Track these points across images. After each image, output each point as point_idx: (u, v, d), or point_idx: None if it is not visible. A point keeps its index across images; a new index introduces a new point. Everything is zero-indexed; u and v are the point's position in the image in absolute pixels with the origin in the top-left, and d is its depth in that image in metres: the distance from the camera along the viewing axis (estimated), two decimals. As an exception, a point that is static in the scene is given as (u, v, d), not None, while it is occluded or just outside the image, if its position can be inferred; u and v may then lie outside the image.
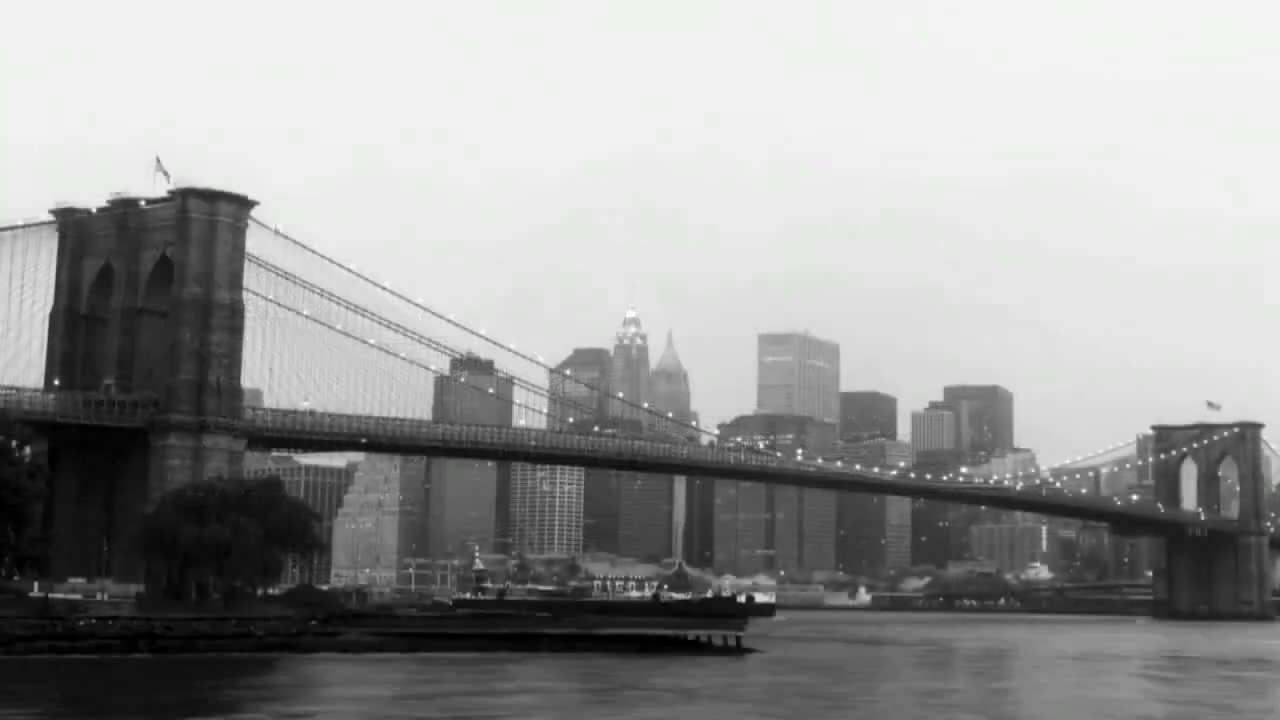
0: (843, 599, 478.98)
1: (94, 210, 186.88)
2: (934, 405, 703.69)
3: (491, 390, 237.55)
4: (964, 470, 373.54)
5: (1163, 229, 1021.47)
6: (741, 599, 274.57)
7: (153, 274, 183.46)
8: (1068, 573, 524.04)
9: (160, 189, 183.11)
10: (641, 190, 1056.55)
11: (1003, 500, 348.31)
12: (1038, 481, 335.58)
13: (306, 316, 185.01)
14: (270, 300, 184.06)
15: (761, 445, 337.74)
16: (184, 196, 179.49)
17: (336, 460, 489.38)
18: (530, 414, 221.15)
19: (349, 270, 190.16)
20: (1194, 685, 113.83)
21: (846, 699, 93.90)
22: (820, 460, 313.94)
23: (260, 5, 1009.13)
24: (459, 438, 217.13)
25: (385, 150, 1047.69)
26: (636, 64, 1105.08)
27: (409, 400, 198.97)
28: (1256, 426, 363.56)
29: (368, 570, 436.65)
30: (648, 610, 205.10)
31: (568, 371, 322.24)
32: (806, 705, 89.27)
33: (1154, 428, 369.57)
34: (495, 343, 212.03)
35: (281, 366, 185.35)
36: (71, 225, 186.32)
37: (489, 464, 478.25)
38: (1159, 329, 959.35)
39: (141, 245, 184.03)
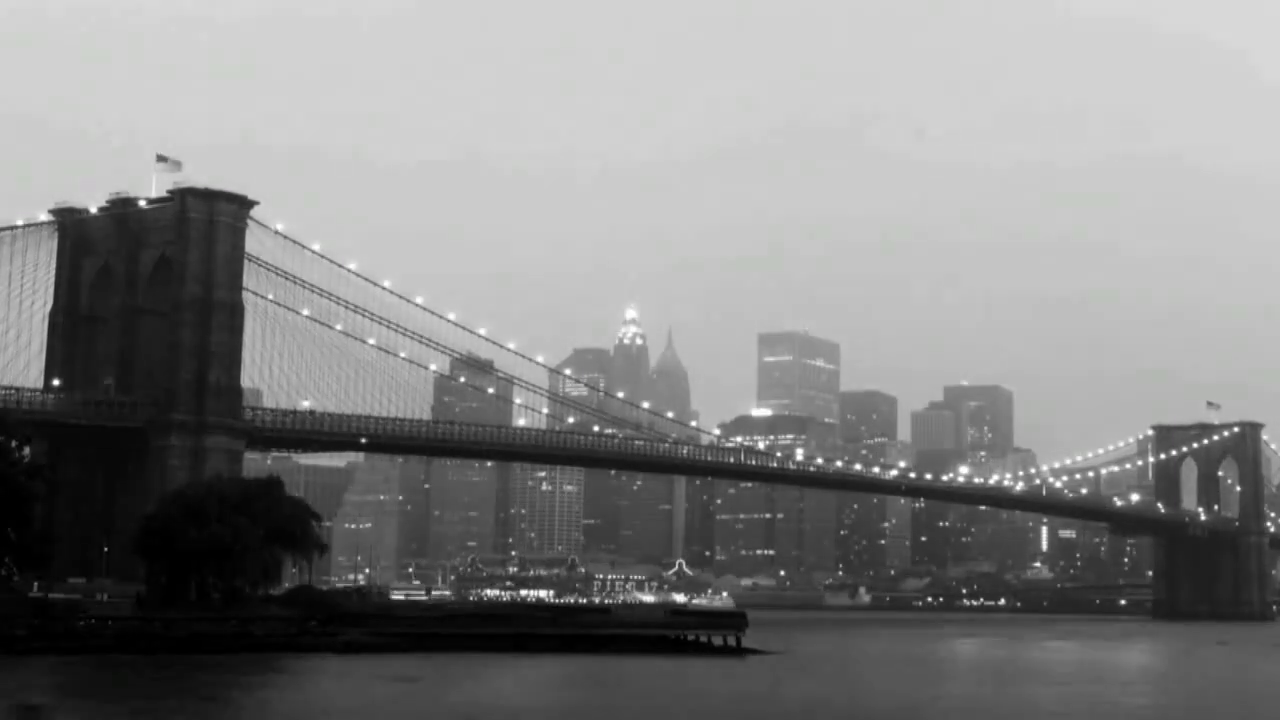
0: (843, 599, 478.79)
1: (94, 210, 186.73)
2: (934, 405, 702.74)
3: (491, 390, 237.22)
4: (964, 470, 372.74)
5: (1163, 227, 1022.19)
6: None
7: (152, 274, 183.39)
8: (1068, 573, 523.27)
9: (161, 188, 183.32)
10: (641, 189, 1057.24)
11: (1003, 500, 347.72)
12: (1038, 481, 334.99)
13: (307, 316, 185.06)
14: (270, 300, 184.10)
15: (761, 445, 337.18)
16: (183, 196, 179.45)
17: (336, 460, 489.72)
18: (530, 414, 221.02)
19: (349, 270, 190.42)
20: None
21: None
22: (820, 460, 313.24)
23: (262, 5, 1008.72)
24: (459, 438, 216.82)
25: (386, 150, 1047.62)
26: (638, 65, 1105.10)
27: (409, 400, 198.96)
28: (1256, 426, 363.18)
29: (367, 570, 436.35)
30: None
31: (568, 371, 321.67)
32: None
33: (1154, 428, 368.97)
34: (495, 343, 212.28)
35: (281, 366, 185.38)
36: (71, 225, 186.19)
37: (489, 464, 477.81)
38: (1159, 329, 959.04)
39: (141, 245, 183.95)
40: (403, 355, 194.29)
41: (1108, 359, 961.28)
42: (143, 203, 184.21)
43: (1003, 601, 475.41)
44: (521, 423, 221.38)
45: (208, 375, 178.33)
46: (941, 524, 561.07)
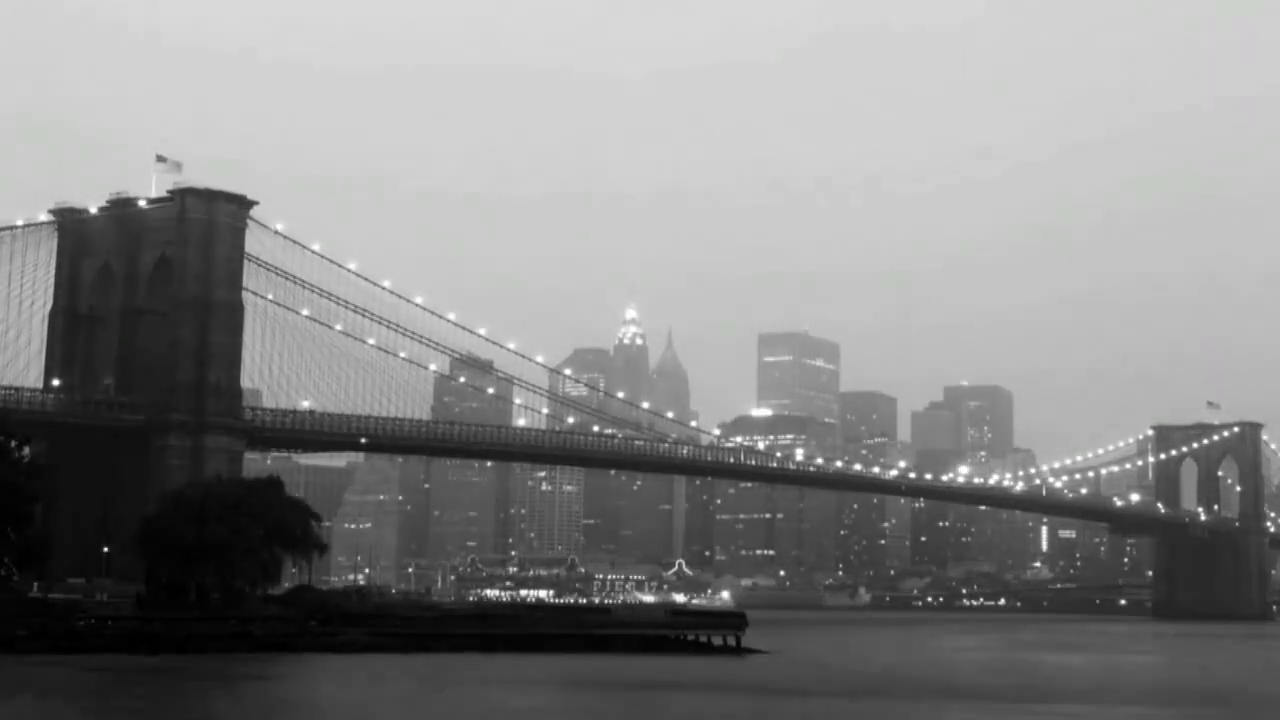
0: (843, 599, 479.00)
1: (94, 210, 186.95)
2: (934, 405, 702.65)
3: (491, 390, 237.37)
4: (964, 470, 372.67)
5: (1162, 228, 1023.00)
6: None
7: (152, 274, 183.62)
8: (1068, 573, 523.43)
9: (161, 188, 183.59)
10: (641, 190, 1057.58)
11: (1003, 500, 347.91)
12: (1038, 481, 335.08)
13: (306, 316, 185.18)
14: (270, 300, 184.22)
15: (761, 445, 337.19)
16: (183, 196, 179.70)
17: (336, 460, 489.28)
18: (530, 414, 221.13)
19: (349, 270, 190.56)
20: None
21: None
22: (820, 460, 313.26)
23: (262, 5, 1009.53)
24: (459, 438, 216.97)
25: (384, 150, 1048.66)
26: (636, 69, 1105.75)
27: (409, 400, 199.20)
28: (1256, 426, 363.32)
29: (367, 570, 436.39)
30: None
31: (567, 371, 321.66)
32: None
33: (1154, 428, 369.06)
34: (495, 343, 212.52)
35: (281, 366, 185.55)
36: (71, 225, 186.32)
37: (489, 464, 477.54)
38: (1159, 329, 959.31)
39: (141, 245, 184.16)
40: (403, 355, 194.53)
41: (1108, 359, 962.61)
42: (143, 203, 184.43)
43: (1003, 601, 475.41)
44: (521, 423, 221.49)
45: (207, 375, 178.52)
46: (941, 524, 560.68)
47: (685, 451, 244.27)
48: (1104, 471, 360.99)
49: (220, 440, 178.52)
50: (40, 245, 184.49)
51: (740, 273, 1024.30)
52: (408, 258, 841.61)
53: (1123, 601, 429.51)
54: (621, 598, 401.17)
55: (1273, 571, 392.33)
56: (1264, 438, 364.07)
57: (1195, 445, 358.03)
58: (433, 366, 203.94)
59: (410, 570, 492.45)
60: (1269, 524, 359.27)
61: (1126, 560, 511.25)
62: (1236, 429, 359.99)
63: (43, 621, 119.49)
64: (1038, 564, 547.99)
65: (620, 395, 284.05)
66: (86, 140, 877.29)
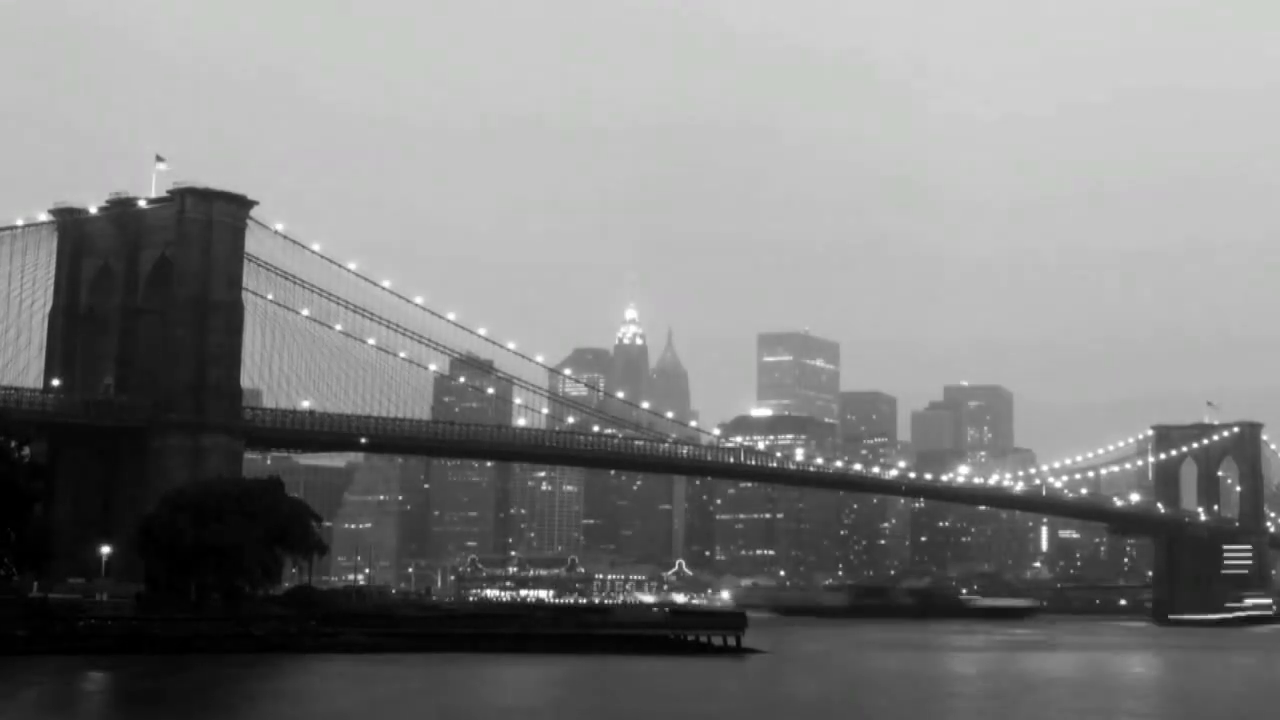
0: (842, 599, 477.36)
1: (93, 210, 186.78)
2: (934, 405, 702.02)
3: (491, 390, 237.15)
4: (964, 470, 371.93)
5: (1162, 228, 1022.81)
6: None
7: (152, 274, 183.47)
8: (1068, 573, 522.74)
9: (161, 188, 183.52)
10: (642, 190, 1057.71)
11: (1003, 500, 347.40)
12: (1038, 481, 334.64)
13: (306, 316, 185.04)
14: (270, 300, 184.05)
15: (761, 445, 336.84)
16: (182, 196, 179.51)
17: (336, 460, 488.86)
18: (530, 414, 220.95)
19: (349, 270, 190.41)
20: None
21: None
22: (820, 460, 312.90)
23: (260, 5, 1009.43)
24: (458, 438, 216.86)
25: (384, 149, 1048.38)
26: (637, 70, 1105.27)
27: (408, 400, 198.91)
28: (1256, 426, 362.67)
29: (367, 570, 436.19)
30: None
31: (567, 371, 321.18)
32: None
33: (1154, 428, 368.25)
34: (495, 343, 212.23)
35: (281, 366, 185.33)
36: (71, 225, 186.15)
37: (489, 464, 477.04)
38: (1159, 328, 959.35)
39: (140, 245, 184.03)
40: (402, 355, 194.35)
41: (1108, 359, 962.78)
42: (142, 203, 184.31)
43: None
44: (521, 423, 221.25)
45: (207, 375, 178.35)
46: (941, 524, 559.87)
47: (685, 451, 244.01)
48: (1104, 471, 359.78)
49: (220, 440, 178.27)
50: (40, 245, 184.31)
51: (740, 273, 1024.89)
52: (407, 257, 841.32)
53: (1123, 602, 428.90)
54: (621, 598, 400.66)
55: (1273, 572, 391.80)
56: (1264, 438, 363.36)
57: (1195, 445, 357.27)
58: (433, 366, 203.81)
59: (410, 570, 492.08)
60: (1269, 524, 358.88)
61: (1126, 560, 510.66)
62: (1236, 429, 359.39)
63: (43, 621, 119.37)
64: (1038, 564, 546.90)
65: (620, 395, 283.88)
66: (87, 140, 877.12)
